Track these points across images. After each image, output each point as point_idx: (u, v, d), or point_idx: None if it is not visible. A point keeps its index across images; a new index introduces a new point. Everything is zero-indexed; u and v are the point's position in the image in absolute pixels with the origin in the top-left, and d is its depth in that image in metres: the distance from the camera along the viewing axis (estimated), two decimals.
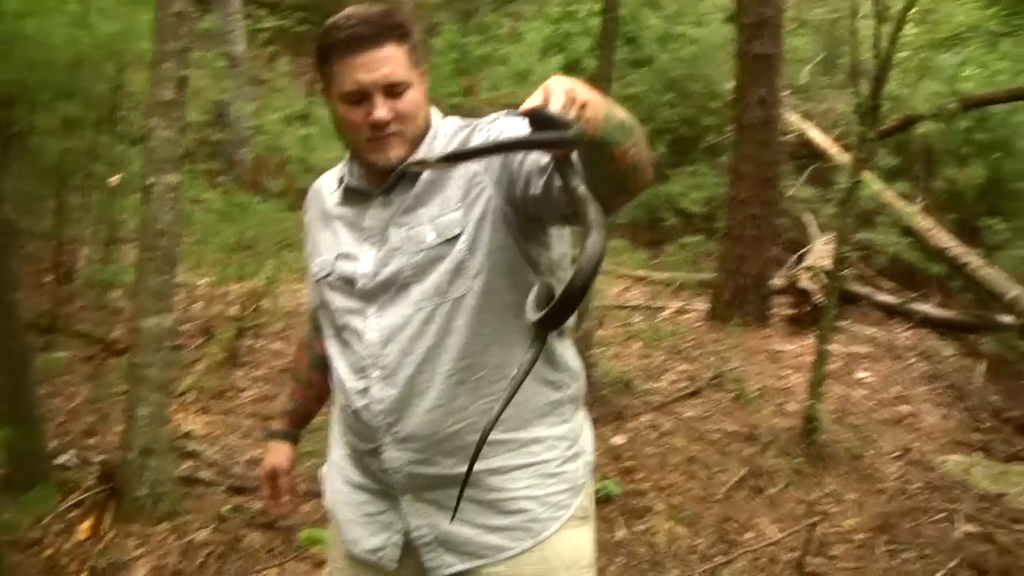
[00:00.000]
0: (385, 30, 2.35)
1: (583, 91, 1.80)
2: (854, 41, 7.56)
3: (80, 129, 7.18)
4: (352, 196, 2.56)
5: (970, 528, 6.34)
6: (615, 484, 5.74)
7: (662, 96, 13.66)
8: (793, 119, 12.29)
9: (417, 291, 2.39)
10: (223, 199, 8.84)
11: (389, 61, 2.35)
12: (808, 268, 9.32)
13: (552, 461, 2.50)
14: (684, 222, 12.81)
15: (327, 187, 2.66)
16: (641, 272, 11.33)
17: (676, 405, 6.91)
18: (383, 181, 2.46)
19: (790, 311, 9.27)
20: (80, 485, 5.11)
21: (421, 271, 2.39)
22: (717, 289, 9.25)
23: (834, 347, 6.85)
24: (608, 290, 10.37)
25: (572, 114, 1.75)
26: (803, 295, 9.02)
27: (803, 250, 10.58)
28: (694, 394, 7.11)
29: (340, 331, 2.55)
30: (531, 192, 2.18)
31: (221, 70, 10.36)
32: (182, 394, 6.49)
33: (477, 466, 2.33)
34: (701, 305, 9.41)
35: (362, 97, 2.35)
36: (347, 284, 2.50)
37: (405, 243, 2.41)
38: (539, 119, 1.74)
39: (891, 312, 9.82)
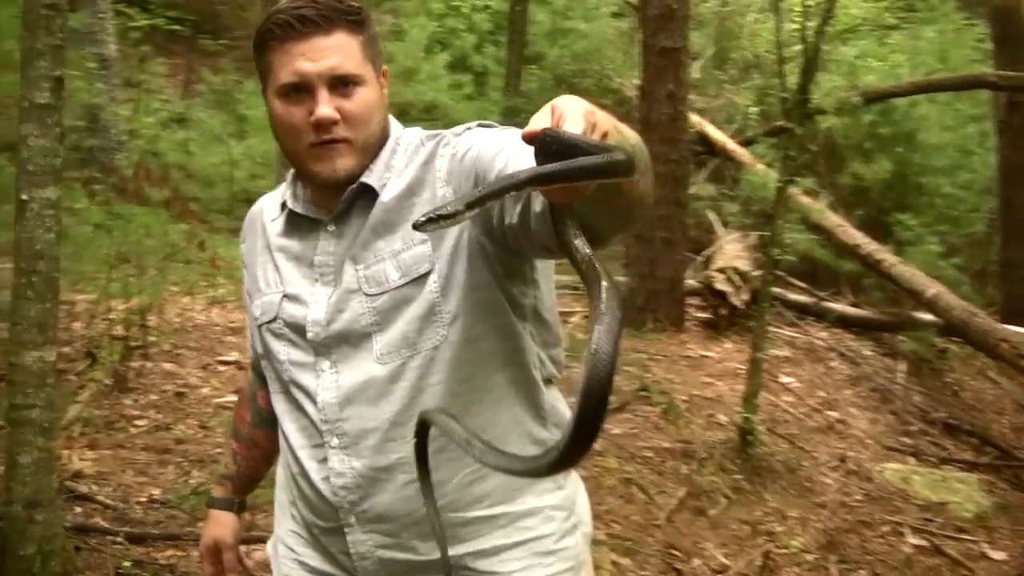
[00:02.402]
0: (335, 14, 1.93)
1: (601, 115, 1.39)
2: (776, 38, 7.21)
3: None
4: (298, 224, 2.12)
5: (918, 541, 6.08)
6: None
7: (553, 94, 13.22)
8: (690, 115, 11.98)
9: (381, 342, 1.98)
10: (101, 209, 8.18)
11: (338, 50, 1.93)
12: (721, 269, 8.97)
13: (549, 536, 2.09)
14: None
15: (268, 212, 2.21)
16: None
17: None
18: (334, 205, 2.03)
19: (705, 315, 8.92)
20: None
21: (384, 318, 1.98)
22: (630, 294, 8.85)
23: (765, 351, 6.50)
24: None
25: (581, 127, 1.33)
26: (719, 297, 8.67)
27: (709, 250, 10.25)
28: (620, 409, 6.69)
29: (288, 387, 2.11)
30: (508, 221, 1.75)
31: (91, 72, 9.69)
32: (67, 427, 5.87)
33: (461, 549, 2.02)
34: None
35: (303, 91, 1.94)
36: (295, 332, 2.08)
37: (363, 284, 1.99)
38: (554, 143, 1.31)
39: (805, 312, 9.54)
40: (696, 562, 5.38)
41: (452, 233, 1.91)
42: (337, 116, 1.93)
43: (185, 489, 5.22)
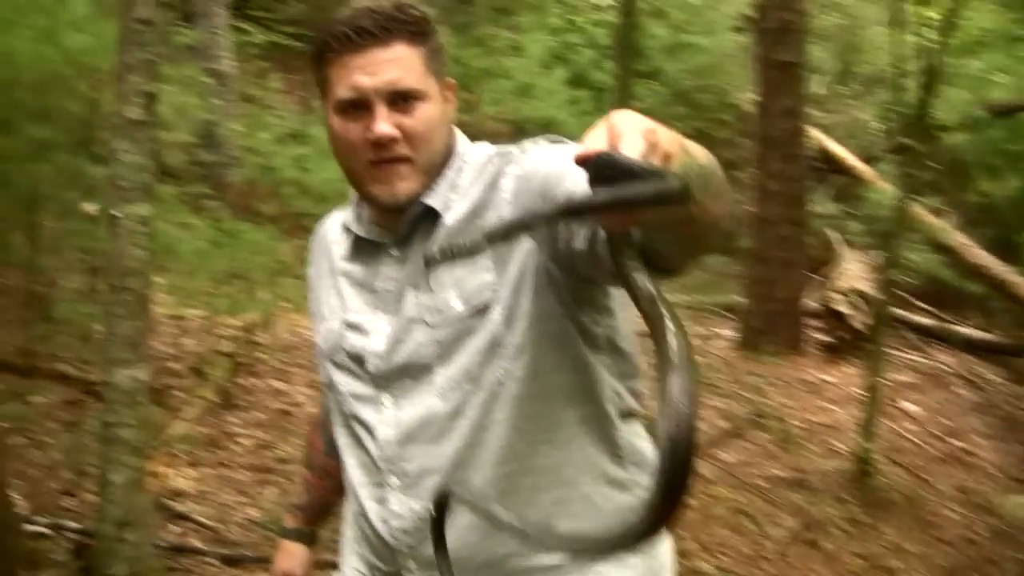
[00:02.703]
0: (395, 25, 1.79)
1: (664, 133, 1.22)
2: (897, 51, 6.95)
3: (52, 152, 6.55)
4: (361, 248, 1.98)
5: None
6: None
7: (672, 109, 13.06)
8: (810, 131, 11.67)
9: (442, 376, 1.84)
10: (213, 225, 8.19)
11: (397, 63, 1.79)
12: (841, 290, 8.69)
13: None
14: None
15: (333, 233, 2.08)
16: None
17: (715, 448, 6.27)
18: (398, 227, 1.89)
19: (825, 337, 8.64)
20: (50, 560, 4.48)
21: (446, 350, 1.83)
22: (746, 315, 8.62)
23: (883, 376, 6.25)
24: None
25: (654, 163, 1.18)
26: (839, 319, 8.40)
27: (830, 269, 9.94)
28: (734, 435, 6.48)
29: (349, 421, 1.98)
30: (575, 247, 1.59)
31: (206, 87, 9.73)
32: (169, 444, 5.84)
33: None
34: (728, 332, 8.79)
35: (360, 107, 1.80)
36: (356, 363, 1.94)
37: (425, 313, 1.84)
38: (608, 168, 1.14)
39: (929, 336, 9.19)
40: None
41: (517, 260, 1.77)
42: (396, 134, 1.80)
43: (283, 511, 5.15)
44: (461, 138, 1.96)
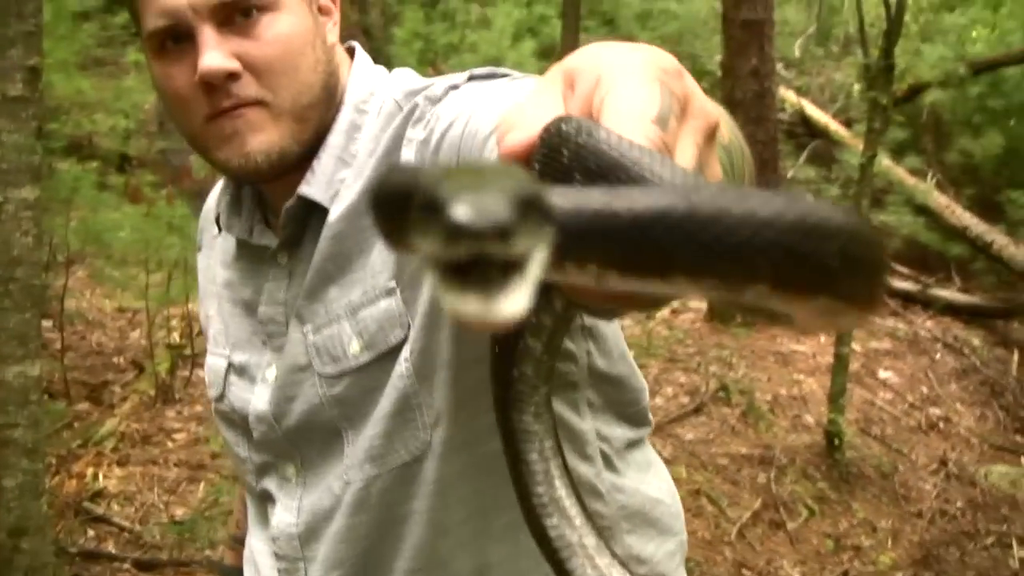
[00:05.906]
0: None
1: (692, 84, 0.74)
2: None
3: None
4: (244, 249, 1.42)
5: None
6: None
7: None
8: (788, 95, 11.36)
9: (350, 448, 1.31)
10: (168, 211, 7.91)
11: None
12: None
13: None
14: None
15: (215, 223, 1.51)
16: None
17: (676, 426, 5.97)
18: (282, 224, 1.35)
19: None
20: None
21: (354, 410, 1.30)
22: None
23: (852, 345, 5.93)
24: None
25: (689, 155, 0.66)
26: None
27: None
28: (696, 411, 6.18)
29: (254, 492, 1.51)
30: None
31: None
32: (99, 442, 5.56)
33: None
34: (700, 304, 8.49)
35: (182, 39, 1.23)
36: (246, 424, 1.42)
37: (315, 357, 1.31)
38: (571, 155, 0.64)
39: (909, 300, 8.86)
40: None
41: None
42: (235, 66, 1.22)
43: (214, 508, 4.86)
44: (359, 67, 1.38)
